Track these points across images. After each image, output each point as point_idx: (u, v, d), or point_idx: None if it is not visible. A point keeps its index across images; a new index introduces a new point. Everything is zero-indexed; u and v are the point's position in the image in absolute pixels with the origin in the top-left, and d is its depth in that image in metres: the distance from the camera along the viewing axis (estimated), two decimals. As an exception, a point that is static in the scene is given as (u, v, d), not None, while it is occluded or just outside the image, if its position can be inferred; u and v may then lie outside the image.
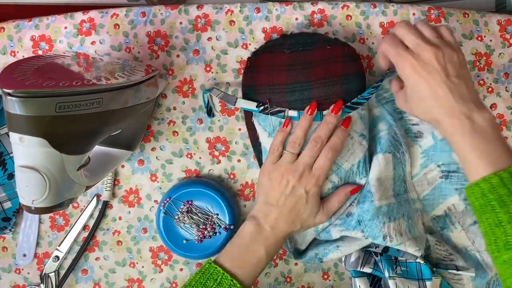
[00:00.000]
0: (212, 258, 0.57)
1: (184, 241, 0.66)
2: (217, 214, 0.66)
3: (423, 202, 0.64)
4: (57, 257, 0.69)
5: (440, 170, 0.63)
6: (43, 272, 0.69)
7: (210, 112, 0.67)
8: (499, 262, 0.47)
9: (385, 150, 0.60)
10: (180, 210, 0.66)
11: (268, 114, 0.61)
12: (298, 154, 0.58)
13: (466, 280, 0.62)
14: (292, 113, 0.60)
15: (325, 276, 0.69)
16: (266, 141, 0.62)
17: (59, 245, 0.69)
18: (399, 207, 0.61)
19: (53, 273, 0.69)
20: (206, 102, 0.66)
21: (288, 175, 0.58)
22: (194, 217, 0.66)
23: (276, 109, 0.61)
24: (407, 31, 0.53)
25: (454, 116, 0.50)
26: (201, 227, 0.66)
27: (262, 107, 0.61)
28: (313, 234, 0.63)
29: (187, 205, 0.66)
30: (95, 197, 0.69)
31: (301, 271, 0.70)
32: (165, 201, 0.66)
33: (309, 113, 0.59)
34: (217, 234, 0.66)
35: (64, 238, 0.69)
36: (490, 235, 0.48)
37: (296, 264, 0.69)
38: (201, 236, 0.66)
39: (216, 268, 0.55)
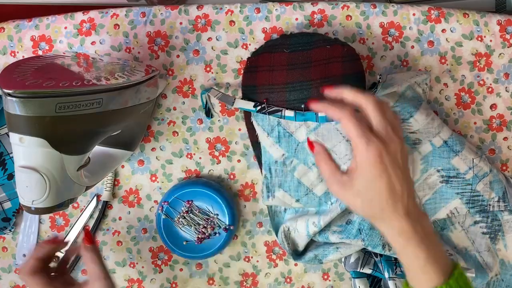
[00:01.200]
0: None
1: (184, 243, 0.66)
2: (217, 215, 0.66)
3: (425, 207, 0.64)
4: (57, 257, 0.69)
5: (440, 175, 0.63)
6: None
7: (208, 113, 0.67)
8: None
9: None
10: (180, 210, 0.66)
11: (266, 113, 0.61)
12: None
13: None
14: (289, 113, 0.60)
15: (325, 276, 0.69)
16: (265, 141, 0.62)
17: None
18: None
19: (53, 274, 0.69)
20: (204, 103, 0.66)
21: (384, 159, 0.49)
22: (194, 217, 0.66)
23: (273, 108, 0.61)
24: (375, 111, 0.47)
25: (407, 221, 0.46)
26: (201, 227, 0.66)
27: (259, 107, 0.61)
28: (306, 239, 0.63)
29: (187, 205, 0.66)
30: (95, 197, 0.69)
31: (301, 271, 0.70)
32: (163, 204, 0.66)
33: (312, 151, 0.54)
34: (217, 234, 0.66)
35: (64, 238, 0.69)
36: None
37: (296, 264, 0.69)
38: (201, 236, 0.66)
39: None
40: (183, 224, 0.66)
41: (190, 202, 0.66)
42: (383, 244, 0.59)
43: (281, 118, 0.60)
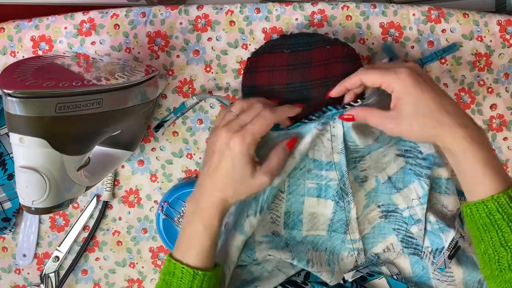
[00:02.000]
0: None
1: None
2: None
3: (364, 241, 0.63)
4: (57, 257, 0.69)
5: (380, 210, 0.63)
6: (43, 272, 0.69)
7: (158, 127, 0.66)
8: (499, 281, 0.46)
9: (328, 197, 0.61)
10: (180, 210, 0.66)
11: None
12: None
13: (458, 280, 0.62)
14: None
15: None
16: None
17: (59, 246, 0.69)
18: (326, 242, 0.62)
19: (53, 274, 0.69)
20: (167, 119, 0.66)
21: (220, 132, 0.53)
22: None
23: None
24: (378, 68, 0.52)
25: (466, 126, 0.48)
26: None
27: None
28: (236, 255, 0.59)
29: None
30: (95, 198, 0.69)
31: None
32: (163, 204, 0.66)
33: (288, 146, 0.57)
34: (217, 234, 0.66)
35: (64, 239, 0.69)
36: (491, 254, 0.46)
37: None
38: None
39: (170, 260, 0.52)
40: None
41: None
42: (308, 259, 0.59)
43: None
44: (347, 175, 0.59)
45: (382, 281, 0.63)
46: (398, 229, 0.63)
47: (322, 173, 0.60)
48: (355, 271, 0.62)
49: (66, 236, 0.69)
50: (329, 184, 0.60)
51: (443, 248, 0.60)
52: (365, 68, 0.54)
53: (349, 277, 0.61)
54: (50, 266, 0.69)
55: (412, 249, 0.63)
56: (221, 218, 0.54)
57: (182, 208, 0.66)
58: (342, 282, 0.61)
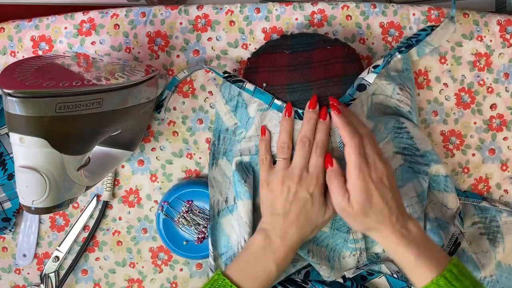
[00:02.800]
0: (222, 270, 0.56)
1: (184, 243, 0.66)
2: (217, 214, 0.66)
3: (366, 239, 0.63)
4: (57, 257, 0.69)
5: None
6: (43, 272, 0.69)
7: (159, 107, 0.67)
8: None
9: None
10: (180, 210, 0.66)
11: (230, 82, 0.62)
12: (291, 159, 0.58)
13: None
14: (250, 86, 0.60)
15: None
16: (221, 108, 0.64)
17: (59, 245, 0.69)
18: (328, 238, 0.62)
19: (53, 273, 0.69)
20: (165, 96, 0.66)
21: (287, 181, 0.57)
22: (194, 217, 0.66)
23: (236, 78, 0.61)
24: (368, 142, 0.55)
25: (394, 228, 0.53)
26: (201, 227, 0.66)
27: (227, 75, 0.62)
28: (250, 219, 0.61)
29: (187, 205, 0.66)
30: (95, 197, 0.69)
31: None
32: (163, 204, 0.66)
33: (287, 115, 0.59)
34: (217, 234, 0.66)
35: (64, 238, 0.69)
36: None
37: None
38: (201, 236, 0.66)
39: (224, 280, 0.54)
40: (183, 224, 0.66)
41: (190, 202, 0.66)
42: (308, 250, 0.60)
43: (241, 89, 0.61)
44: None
45: (382, 280, 0.63)
46: None
47: None
48: (355, 268, 0.62)
49: (66, 236, 0.69)
50: None
51: (442, 246, 0.60)
52: (344, 122, 0.56)
53: (349, 274, 0.61)
54: (50, 266, 0.69)
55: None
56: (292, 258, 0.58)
57: (182, 208, 0.66)
58: (342, 281, 0.61)
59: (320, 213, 0.57)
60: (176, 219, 0.66)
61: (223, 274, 0.55)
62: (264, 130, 0.60)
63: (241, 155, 0.62)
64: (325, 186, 0.57)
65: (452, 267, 0.51)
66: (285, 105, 0.59)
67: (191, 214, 0.66)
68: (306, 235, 0.58)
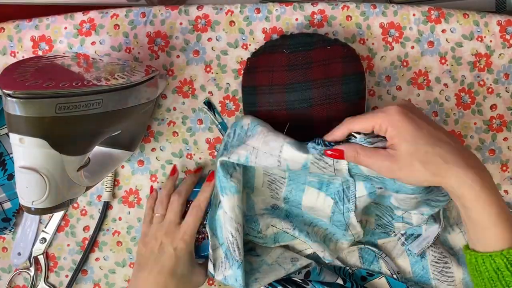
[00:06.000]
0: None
1: None
2: (217, 215, 0.66)
3: (365, 231, 0.63)
4: (44, 238, 0.69)
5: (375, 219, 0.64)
6: (31, 255, 0.69)
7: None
8: None
9: (328, 193, 0.61)
10: None
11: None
12: None
13: (458, 280, 0.62)
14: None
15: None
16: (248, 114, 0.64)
17: (45, 227, 0.69)
18: (327, 225, 0.63)
19: (42, 255, 0.69)
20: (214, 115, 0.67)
21: (157, 233, 0.60)
22: None
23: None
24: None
25: (474, 167, 0.43)
26: (200, 227, 0.66)
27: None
28: (240, 216, 0.58)
29: (187, 206, 0.66)
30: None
31: None
32: None
33: (171, 175, 0.65)
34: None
35: (50, 219, 0.69)
36: None
37: None
38: (200, 237, 0.66)
39: None
40: None
41: (189, 202, 0.66)
42: (307, 231, 0.61)
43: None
44: (353, 182, 0.58)
45: (382, 281, 0.63)
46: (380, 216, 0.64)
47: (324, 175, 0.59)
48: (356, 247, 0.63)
49: (51, 217, 0.69)
50: (331, 181, 0.60)
51: (419, 235, 0.60)
52: (352, 117, 0.49)
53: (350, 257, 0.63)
54: (38, 248, 0.69)
55: (382, 228, 0.64)
56: None
57: None
58: (342, 282, 0.61)
59: (187, 272, 0.59)
60: None
61: None
62: (151, 189, 0.67)
63: (228, 158, 0.58)
64: (192, 247, 0.60)
65: None
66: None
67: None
68: None
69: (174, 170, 0.65)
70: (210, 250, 0.61)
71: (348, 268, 0.64)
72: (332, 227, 0.63)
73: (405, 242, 0.63)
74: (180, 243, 0.59)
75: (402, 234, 0.63)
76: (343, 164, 0.51)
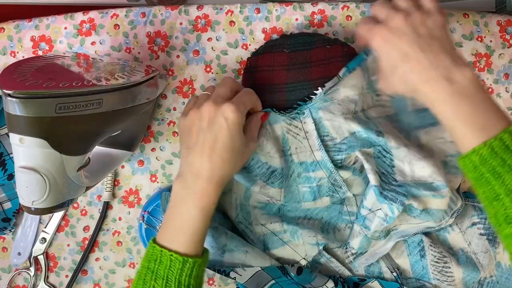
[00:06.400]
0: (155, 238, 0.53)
1: None
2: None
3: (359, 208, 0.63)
4: (44, 238, 0.69)
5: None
6: (31, 255, 0.69)
7: None
8: (502, 236, 0.43)
9: (322, 195, 0.62)
10: (161, 219, 0.66)
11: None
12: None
13: (458, 280, 0.62)
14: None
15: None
16: None
17: (45, 227, 0.69)
18: (323, 212, 0.64)
19: (42, 255, 0.69)
20: None
21: (204, 106, 0.51)
22: None
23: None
24: (380, 6, 0.51)
25: (431, 79, 0.45)
26: None
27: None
28: (242, 188, 0.62)
29: None
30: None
31: None
32: (144, 213, 0.66)
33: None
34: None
35: (50, 219, 0.69)
36: (489, 209, 0.44)
37: None
38: None
39: (154, 247, 0.49)
40: None
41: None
42: (297, 223, 0.62)
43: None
44: (335, 171, 0.60)
45: (374, 284, 0.63)
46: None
47: (311, 175, 0.60)
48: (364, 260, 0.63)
49: (51, 217, 0.69)
50: (320, 184, 0.61)
51: (366, 252, 0.62)
52: (364, 20, 0.53)
53: (360, 267, 0.64)
54: (38, 248, 0.69)
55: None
56: (219, 198, 0.51)
57: (163, 216, 0.66)
58: (333, 284, 0.62)
59: (240, 142, 0.51)
60: (158, 227, 0.66)
61: (153, 241, 0.51)
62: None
63: None
64: (243, 122, 0.52)
65: (504, 135, 0.42)
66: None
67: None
68: (230, 168, 0.51)
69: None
70: None
71: (338, 276, 0.64)
72: (328, 210, 0.64)
73: (352, 260, 0.64)
74: (232, 114, 0.50)
75: (352, 254, 0.64)
76: (310, 125, 0.59)
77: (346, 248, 0.64)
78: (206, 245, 0.55)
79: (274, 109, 0.59)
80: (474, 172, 0.43)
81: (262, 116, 0.59)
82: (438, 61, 0.46)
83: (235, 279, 0.60)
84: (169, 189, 0.68)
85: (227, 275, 0.60)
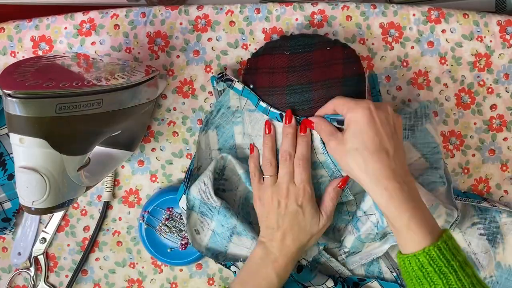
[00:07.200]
0: (228, 285, 0.58)
1: (169, 250, 0.67)
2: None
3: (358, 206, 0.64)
4: (44, 238, 0.69)
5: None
6: (31, 255, 0.69)
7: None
8: None
9: (322, 192, 0.62)
10: (161, 218, 0.66)
11: (221, 80, 0.63)
12: (277, 173, 0.60)
13: None
14: (238, 85, 0.61)
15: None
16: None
17: (45, 227, 0.69)
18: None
19: (42, 255, 0.69)
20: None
21: (276, 196, 0.58)
22: (176, 224, 0.66)
23: (227, 77, 0.62)
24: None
25: (394, 178, 0.49)
26: (183, 233, 0.66)
27: (220, 74, 0.64)
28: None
29: (167, 213, 0.66)
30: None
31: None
32: (144, 213, 0.66)
33: (267, 132, 0.60)
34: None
35: (50, 219, 0.69)
36: None
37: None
38: (184, 242, 0.66)
39: None
40: (165, 231, 0.66)
41: (170, 209, 0.66)
42: None
43: (230, 87, 0.62)
44: (337, 170, 0.60)
45: (374, 284, 0.64)
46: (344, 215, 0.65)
47: (312, 172, 0.60)
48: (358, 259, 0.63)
49: (51, 217, 0.69)
50: (320, 182, 0.61)
51: (360, 251, 0.63)
52: (339, 97, 0.56)
53: (352, 265, 0.64)
54: (38, 248, 0.69)
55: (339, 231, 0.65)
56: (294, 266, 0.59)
57: (163, 216, 0.66)
58: (333, 284, 0.62)
59: (314, 222, 0.58)
60: (158, 227, 0.66)
61: (228, 286, 0.56)
62: (252, 148, 0.62)
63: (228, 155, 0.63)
64: (313, 196, 0.59)
65: (447, 239, 0.46)
66: (269, 107, 0.59)
67: (172, 221, 0.66)
68: (303, 245, 0.59)
69: (269, 128, 0.61)
70: (185, 220, 0.62)
71: (338, 276, 0.65)
72: None
73: (344, 258, 0.64)
74: (304, 199, 0.58)
75: (345, 252, 0.64)
76: (315, 133, 0.59)
77: (340, 246, 0.64)
78: (217, 223, 0.61)
79: (279, 119, 0.60)
80: (420, 271, 0.46)
81: (340, 184, 0.60)
82: (402, 166, 0.51)
83: (235, 273, 0.60)
84: (173, 189, 0.68)
85: (228, 268, 0.63)
